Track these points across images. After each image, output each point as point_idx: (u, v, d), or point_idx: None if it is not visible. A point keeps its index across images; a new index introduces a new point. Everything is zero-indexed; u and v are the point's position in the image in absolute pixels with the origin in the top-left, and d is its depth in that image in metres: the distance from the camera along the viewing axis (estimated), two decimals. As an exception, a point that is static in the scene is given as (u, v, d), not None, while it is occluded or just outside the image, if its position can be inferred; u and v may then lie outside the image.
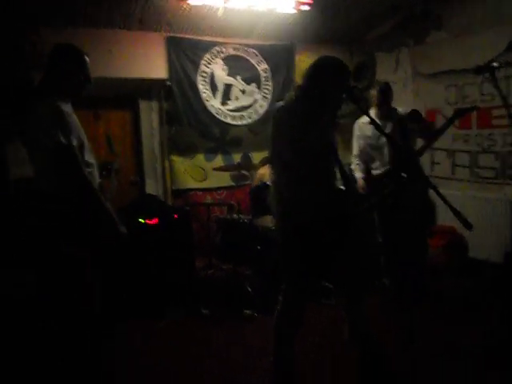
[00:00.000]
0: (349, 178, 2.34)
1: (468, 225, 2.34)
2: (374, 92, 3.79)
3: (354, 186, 3.68)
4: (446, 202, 1.85)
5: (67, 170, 2.24)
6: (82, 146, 2.33)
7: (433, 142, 3.50)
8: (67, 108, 2.36)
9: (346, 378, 2.59)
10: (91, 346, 2.45)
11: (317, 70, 2.22)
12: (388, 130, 3.49)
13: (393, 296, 3.57)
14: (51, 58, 2.43)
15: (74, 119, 2.38)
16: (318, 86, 2.18)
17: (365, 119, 3.68)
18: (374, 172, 3.74)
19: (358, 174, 3.82)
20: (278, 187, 2.27)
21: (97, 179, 2.44)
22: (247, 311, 3.54)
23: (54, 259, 2.33)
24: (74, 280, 2.34)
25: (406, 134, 3.10)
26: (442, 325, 3.17)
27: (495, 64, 2.51)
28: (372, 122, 2.15)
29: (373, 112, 3.71)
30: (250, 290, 3.74)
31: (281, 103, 2.29)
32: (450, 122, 3.19)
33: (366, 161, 3.76)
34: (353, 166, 3.89)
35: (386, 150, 3.63)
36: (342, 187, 2.25)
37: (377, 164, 3.73)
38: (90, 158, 2.40)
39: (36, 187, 2.36)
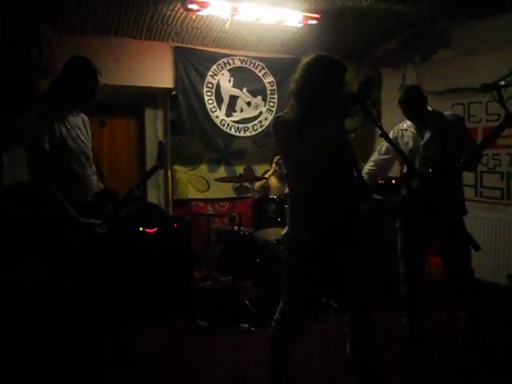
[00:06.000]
0: (367, 189, 2.18)
1: (476, 246, 2.30)
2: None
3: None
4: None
5: (30, 171, 2.36)
6: (65, 151, 2.41)
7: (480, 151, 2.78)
8: (71, 117, 2.48)
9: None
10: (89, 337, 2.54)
11: (307, 69, 2.10)
12: (425, 139, 2.95)
13: (409, 336, 3.04)
14: (67, 67, 2.49)
15: (70, 126, 2.46)
16: (310, 85, 2.06)
17: (404, 125, 3.13)
18: None
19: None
20: (291, 196, 2.22)
21: (92, 188, 2.56)
22: (244, 325, 3.48)
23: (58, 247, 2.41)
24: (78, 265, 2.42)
25: (445, 146, 2.61)
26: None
27: (502, 82, 2.48)
28: (383, 135, 2.04)
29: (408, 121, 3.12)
30: (247, 303, 3.69)
31: (278, 114, 2.24)
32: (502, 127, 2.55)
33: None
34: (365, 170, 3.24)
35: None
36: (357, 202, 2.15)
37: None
38: (80, 167, 2.48)
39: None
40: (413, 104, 2.99)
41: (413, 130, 3.05)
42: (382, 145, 3.21)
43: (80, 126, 2.56)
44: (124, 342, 2.84)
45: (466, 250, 2.87)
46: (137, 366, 2.82)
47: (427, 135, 2.96)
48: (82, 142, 2.52)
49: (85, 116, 2.66)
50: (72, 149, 2.43)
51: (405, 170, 3.01)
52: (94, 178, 2.62)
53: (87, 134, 2.63)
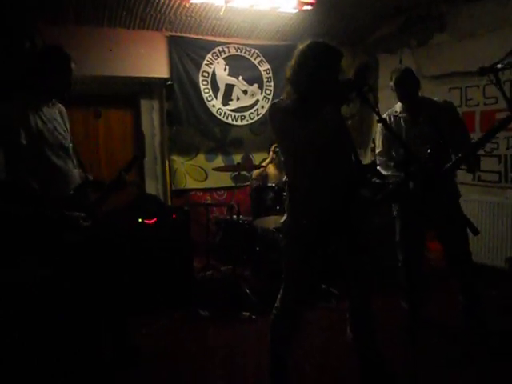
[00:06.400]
0: (366, 174, 2.17)
1: (475, 230, 2.31)
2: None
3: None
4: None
5: (7, 166, 2.29)
6: (42, 145, 2.35)
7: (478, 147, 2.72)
8: (46, 109, 2.42)
9: (346, 380, 2.55)
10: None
11: (303, 55, 2.07)
12: (419, 124, 2.93)
13: (409, 322, 2.86)
14: (39, 57, 2.44)
15: (46, 119, 2.40)
16: (305, 71, 2.03)
17: (396, 109, 3.09)
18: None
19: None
20: (289, 184, 2.21)
21: (74, 181, 2.49)
22: (245, 313, 3.50)
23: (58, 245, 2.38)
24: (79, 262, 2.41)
25: (438, 131, 2.58)
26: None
27: (499, 65, 2.47)
28: (380, 120, 2.02)
29: (400, 105, 3.08)
30: (248, 291, 3.71)
31: (274, 101, 2.23)
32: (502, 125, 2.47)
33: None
34: (380, 167, 3.17)
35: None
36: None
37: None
38: (59, 160, 2.42)
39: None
40: (407, 86, 2.97)
41: (405, 115, 3.03)
42: (379, 131, 3.20)
43: (57, 118, 2.50)
44: (124, 342, 2.82)
45: (464, 234, 2.88)
46: (136, 366, 2.79)
47: (420, 120, 2.94)
48: (60, 134, 2.46)
49: (62, 107, 2.58)
50: (49, 142, 2.38)
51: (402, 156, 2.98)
52: (76, 170, 2.56)
53: (65, 126, 2.56)
